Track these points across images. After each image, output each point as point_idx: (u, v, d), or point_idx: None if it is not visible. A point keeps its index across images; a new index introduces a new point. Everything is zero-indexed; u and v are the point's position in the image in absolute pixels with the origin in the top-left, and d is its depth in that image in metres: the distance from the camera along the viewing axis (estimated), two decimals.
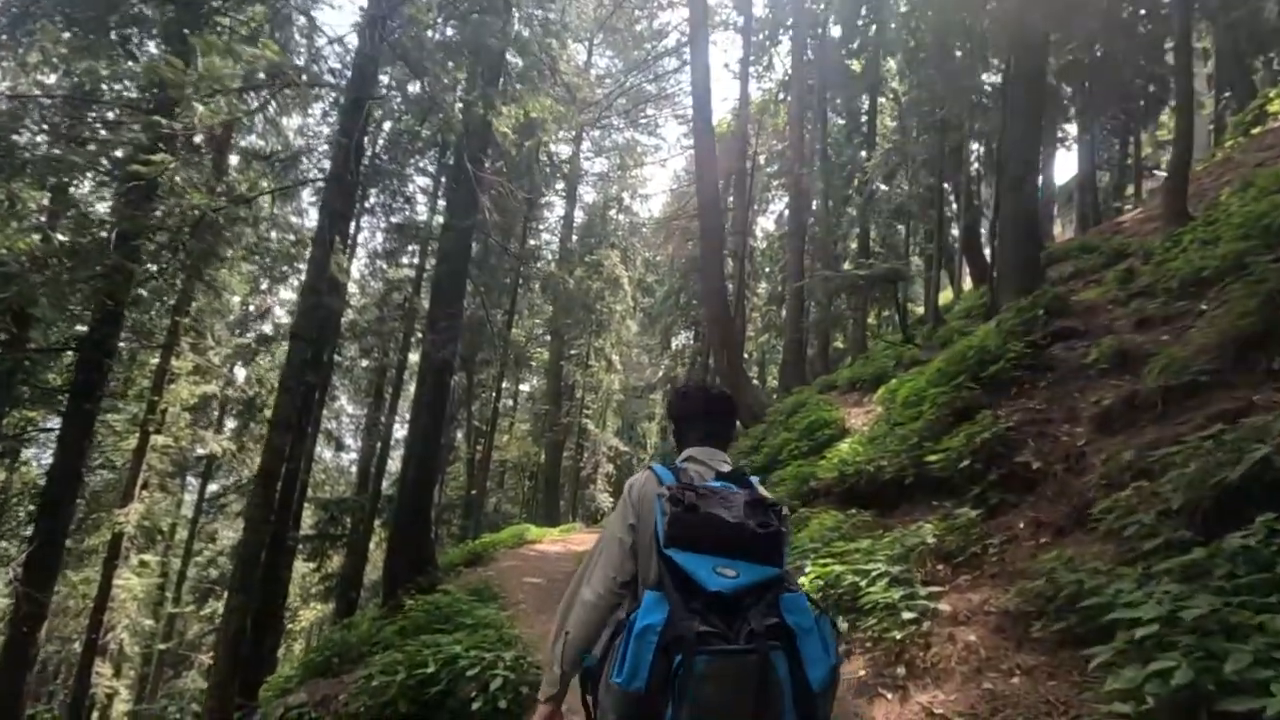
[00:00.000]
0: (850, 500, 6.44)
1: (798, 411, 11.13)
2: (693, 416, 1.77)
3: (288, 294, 25.45)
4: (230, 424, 28.88)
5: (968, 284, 16.78)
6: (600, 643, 1.42)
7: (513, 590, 8.27)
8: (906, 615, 3.44)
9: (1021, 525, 4.13)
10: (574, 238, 29.63)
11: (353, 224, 20.47)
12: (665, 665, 1.20)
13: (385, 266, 20.66)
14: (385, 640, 5.89)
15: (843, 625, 3.86)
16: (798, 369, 15.30)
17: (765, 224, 33.78)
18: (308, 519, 24.66)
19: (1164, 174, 23.22)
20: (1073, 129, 22.89)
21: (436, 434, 9.51)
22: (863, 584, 3.98)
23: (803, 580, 4.37)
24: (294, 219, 18.52)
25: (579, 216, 31.42)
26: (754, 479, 1.56)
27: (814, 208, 21.15)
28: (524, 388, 41.31)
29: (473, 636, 4.89)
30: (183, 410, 23.23)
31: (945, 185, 13.49)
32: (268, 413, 26.30)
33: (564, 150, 27.54)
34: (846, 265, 15.54)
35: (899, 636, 3.39)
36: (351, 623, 9.41)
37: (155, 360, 18.13)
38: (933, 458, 5.30)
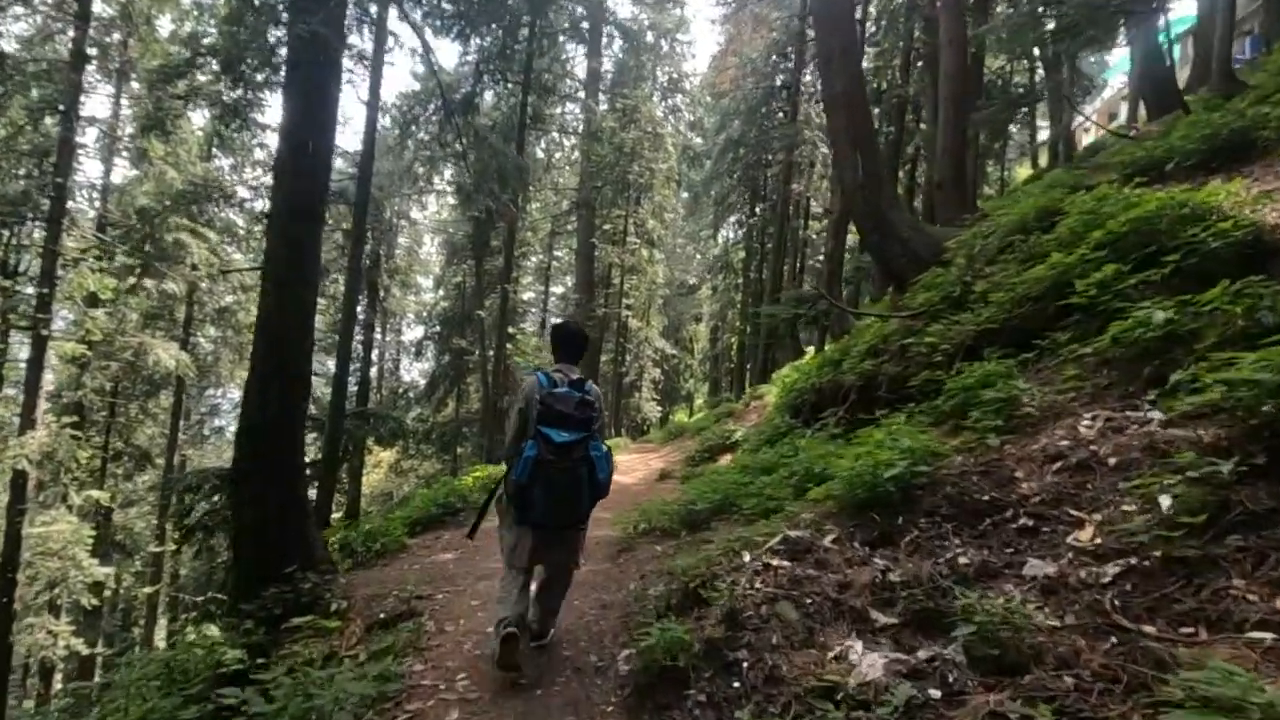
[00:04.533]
0: None
1: (1053, 222, 5.54)
2: (559, 342, 3.36)
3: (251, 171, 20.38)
4: (213, 331, 24.78)
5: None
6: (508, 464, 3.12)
7: (446, 657, 3.21)
8: None
9: None
10: (602, 90, 23.29)
11: None
12: (534, 470, 2.91)
13: None
14: None
15: None
16: (959, 191, 9.54)
17: None
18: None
19: None
20: None
21: (300, 287, 4.29)
22: None
23: None
24: None
25: (607, 71, 24.77)
26: (589, 384, 3.13)
27: None
28: (556, 290, 36.14)
29: None
30: (122, 311, 18.82)
31: None
32: (244, 318, 21.80)
33: None
34: None
35: None
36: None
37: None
38: None
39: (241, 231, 20.59)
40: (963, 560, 2.63)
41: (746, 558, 3.17)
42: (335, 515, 23.22)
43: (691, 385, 46.52)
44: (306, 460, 13.69)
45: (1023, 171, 29.60)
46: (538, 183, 23.00)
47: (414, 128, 14.25)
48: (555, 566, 3.25)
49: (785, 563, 2.92)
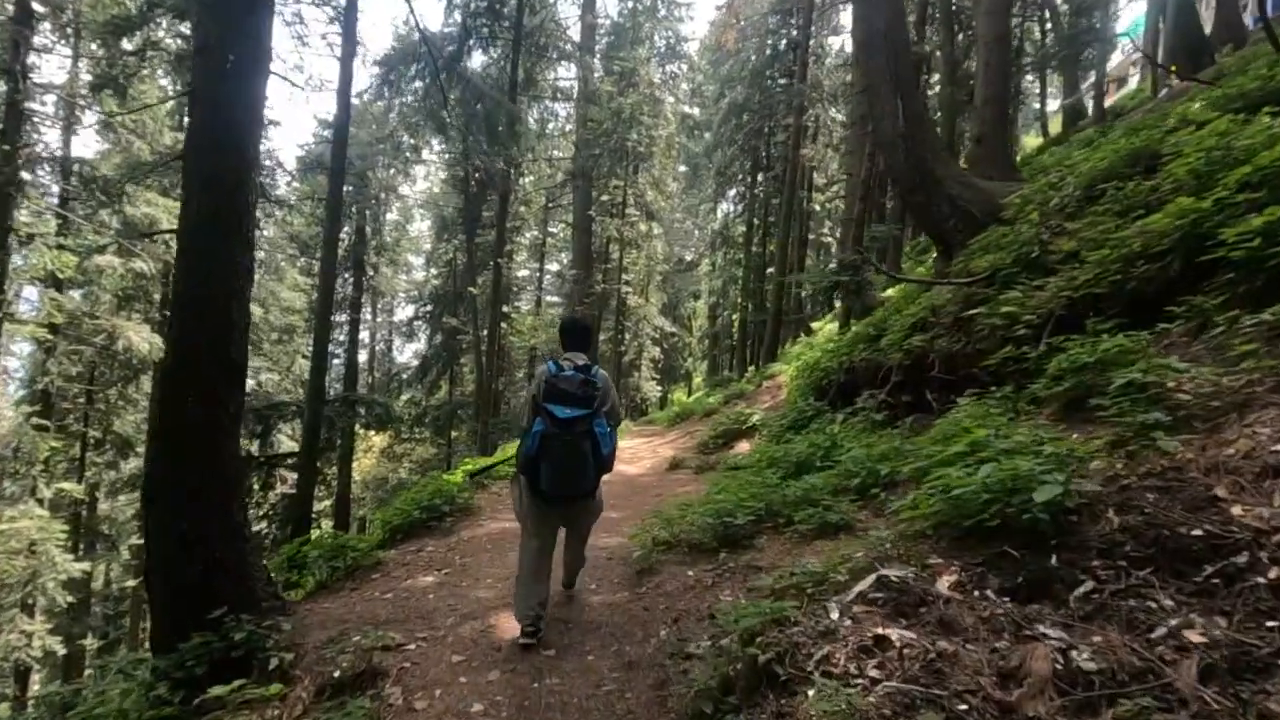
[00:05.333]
0: None
1: (1154, 165, 4.59)
2: (567, 333, 3.47)
3: None
4: None
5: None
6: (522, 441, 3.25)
7: None
8: None
9: None
10: (597, 52, 21.98)
11: None
12: (541, 444, 3.08)
13: None
14: None
15: None
16: (998, 146, 8.55)
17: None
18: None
19: None
20: None
21: (225, 247, 3.30)
22: None
23: None
24: None
25: (603, 40, 23.31)
26: (594, 369, 3.25)
27: None
28: (551, 267, 34.97)
29: None
30: (94, 293, 17.77)
31: None
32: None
33: None
34: None
35: None
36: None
37: None
38: None
39: None
40: (1193, 636, 1.72)
41: (834, 614, 2.25)
42: (325, 503, 22.37)
43: (690, 364, 45.59)
44: (286, 450, 12.76)
45: (1031, 140, 28.44)
46: (531, 153, 21.85)
47: (398, 88, 13.11)
48: (569, 538, 3.52)
49: (909, 633, 1.99)
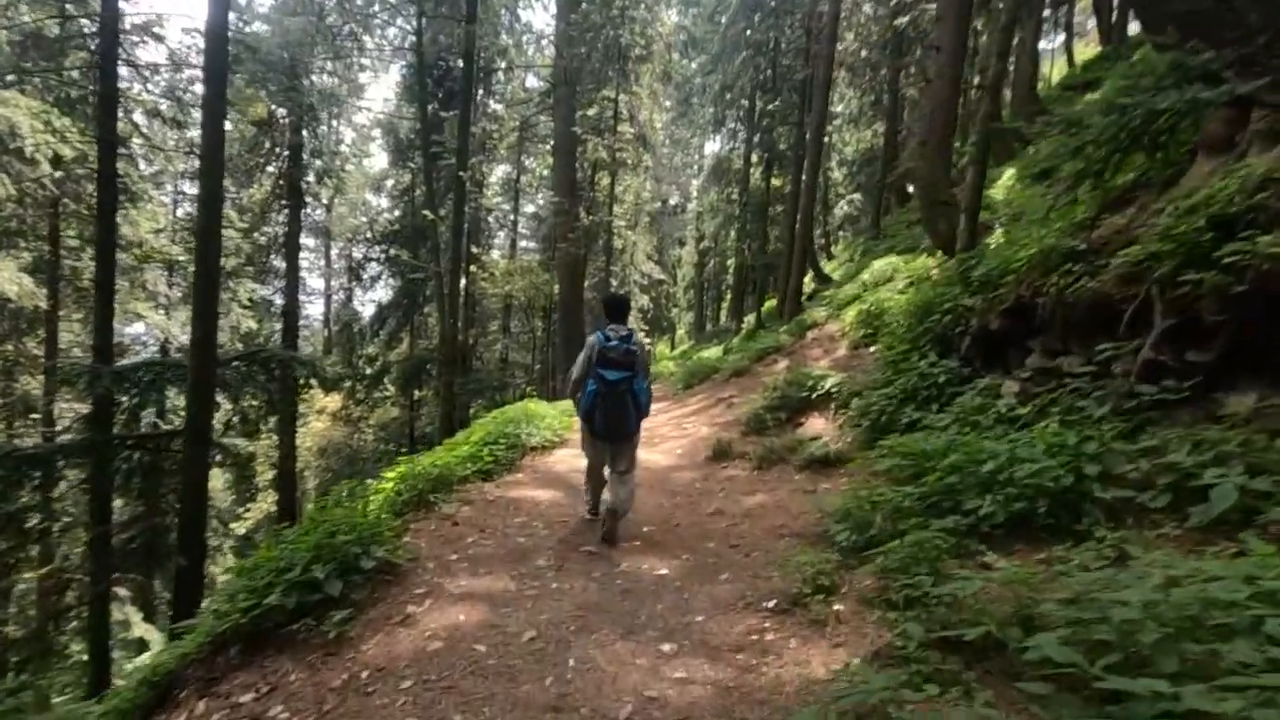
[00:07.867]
0: None
1: None
2: (610, 307, 4.34)
3: None
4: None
5: None
6: (580, 394, 4.33)
7: None
8: None
9: None
10: None
11: None
12: (594, 400, 4.20)
13: None
14: None
15: None
16: None
17: None
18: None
19: None
20: None
21: None
22: None
23: None
24: None
25: None
26: (634, 335, 4.19)
27: None
28: (527, 208, 31.28)
29: None
30: None
31: None
32: (131, 232, 17.01)
33: None
34: None
35: None
36: None
37: None
38: None
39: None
40: None
41: None
42: (270, 475, 19.21)
43: (675, 315, 42.54)
44: (168, 428, 9.63)
45: (1057, 69, 25.22)
46: (503, 59, 18.18)
47: None
48: (617, 468, 4.33)
49: None
